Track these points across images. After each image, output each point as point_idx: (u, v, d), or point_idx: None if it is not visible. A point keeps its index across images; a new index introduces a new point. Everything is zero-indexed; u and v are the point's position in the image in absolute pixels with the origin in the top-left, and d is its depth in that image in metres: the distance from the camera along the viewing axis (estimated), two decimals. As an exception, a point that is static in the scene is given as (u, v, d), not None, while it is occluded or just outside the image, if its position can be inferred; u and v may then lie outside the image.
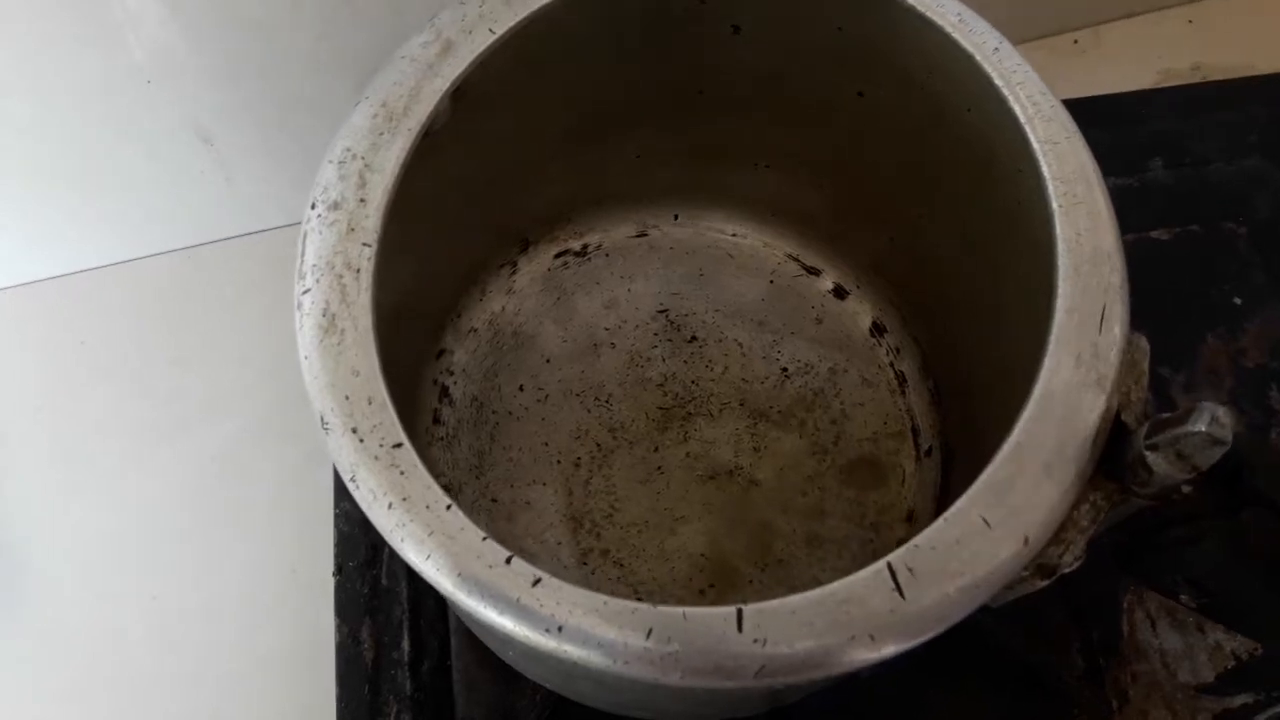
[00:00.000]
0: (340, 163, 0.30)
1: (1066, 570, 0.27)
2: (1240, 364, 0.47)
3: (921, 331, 0.45)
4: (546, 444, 0.44)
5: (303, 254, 0.29)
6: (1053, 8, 0.61)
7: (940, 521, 0.26)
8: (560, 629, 0.25)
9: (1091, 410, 0.27)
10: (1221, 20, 0.62)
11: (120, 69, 0.46)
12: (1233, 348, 0.47)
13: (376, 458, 0.26)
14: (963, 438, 0.42)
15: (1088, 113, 0.52)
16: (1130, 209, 0.50)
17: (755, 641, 0.25)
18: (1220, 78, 0.59)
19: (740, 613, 0.25)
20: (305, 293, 0.29)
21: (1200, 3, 0.63)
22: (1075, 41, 0.63)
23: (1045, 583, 0.28)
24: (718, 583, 0.41)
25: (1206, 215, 0.51)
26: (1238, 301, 0.49)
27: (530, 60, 0.34)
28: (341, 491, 0.45)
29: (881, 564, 0.26)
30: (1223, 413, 0.25)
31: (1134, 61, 0.61)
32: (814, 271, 0.47)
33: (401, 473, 0.26)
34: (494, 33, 0.31)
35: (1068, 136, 0.31)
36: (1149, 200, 0.51)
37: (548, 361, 0.45)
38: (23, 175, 0.50)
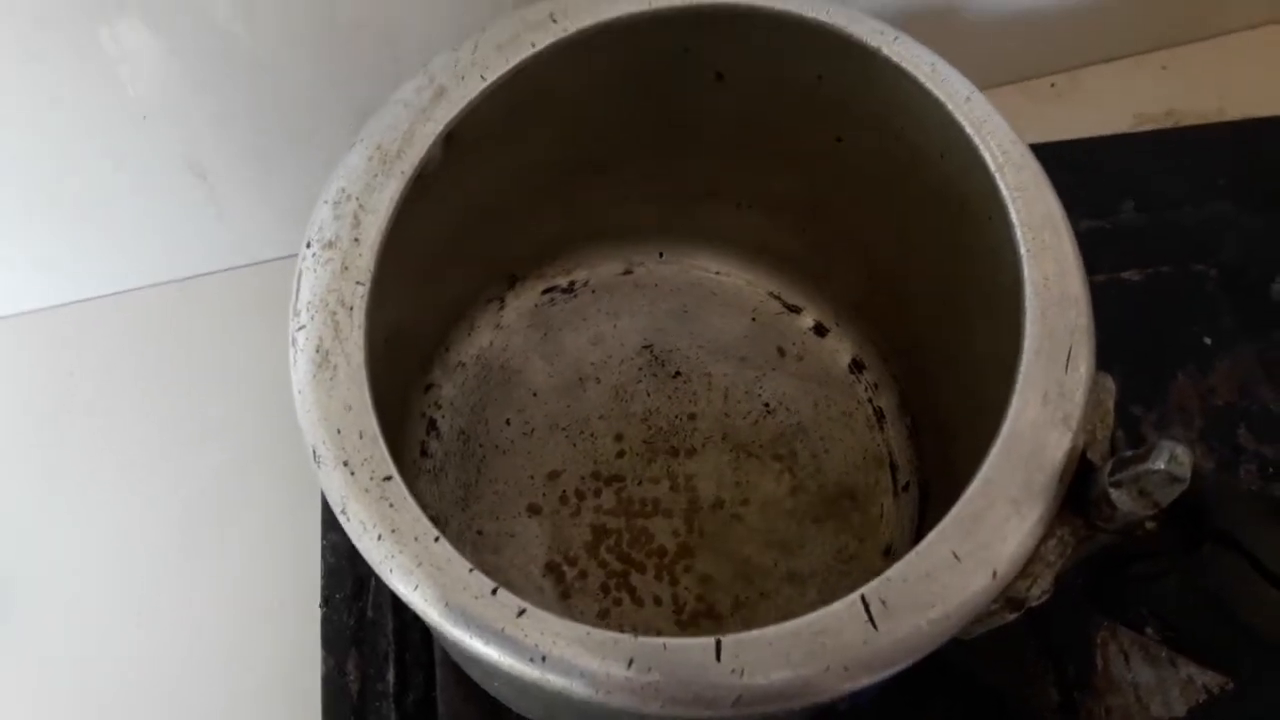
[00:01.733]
0: (335, 203, 0.31)
1: (1034, 604, 0.28)
2: (1210, 402, 0.48)
3: (899, 369, 0.46)
4: (532, 477, 0.44)
5: (298, 291, 0.30)
6: (1031, 52, 0.62)
7: (911, 555, 0.27)
8: (544, 659, 0.25)
9: (1057, 448, 0.28)
10: (1195, 67, 0.64)
11: (115, 103, 0.46)
12: (1203, 386, 0.48)
13: (367, 490, 0.27)
14: (939, 473, 0.43)
15: (1062, 156, 0.54)
16: (1102, 250, 0.52)
17: (733, 672, 0.26)
18: (1193, 122, 0.61)
19: (719, 643, 0.26)
20: (300, 329, 0.29)
21: (1174, 49, 0.65)
22: (1052, 85, 0.64)
23: (1014, 615, 0.28)
24: (699, 617, 0.42)
25: (1177, 257, 0.52)
26: (1207, 341, 0.50)
27: (520, 105, 0.35)
28: (329, 524, 0.46)
29: (855, 596, 0.27)
30: (1181, 451, 0.26)
31: (1109, 105, 0.63)
32: (795, 309, 0.48)
33: (391, 505, 0.27)
34: (485, 79, 0.33)
35: (1036, 184, 0.32)
36: (1121, 242, 0.52)
37: (534, 396, 0.46)
38: (14, 206, 0.50)
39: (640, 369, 0.47)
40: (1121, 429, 0.47)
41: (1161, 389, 0.48)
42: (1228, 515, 0.28)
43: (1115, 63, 0.64)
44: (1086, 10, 0.60)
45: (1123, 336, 0.48)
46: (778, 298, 0.49)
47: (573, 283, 0.49)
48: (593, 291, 0.49)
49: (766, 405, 0.46)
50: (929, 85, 0.34)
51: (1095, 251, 0.50)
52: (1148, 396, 0.48)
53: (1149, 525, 0.28)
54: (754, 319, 0.48)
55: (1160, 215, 0.54)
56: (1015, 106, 0.63)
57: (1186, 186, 0.55)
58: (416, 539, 0.26)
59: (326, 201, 0.31)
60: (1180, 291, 0.51)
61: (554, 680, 0.26)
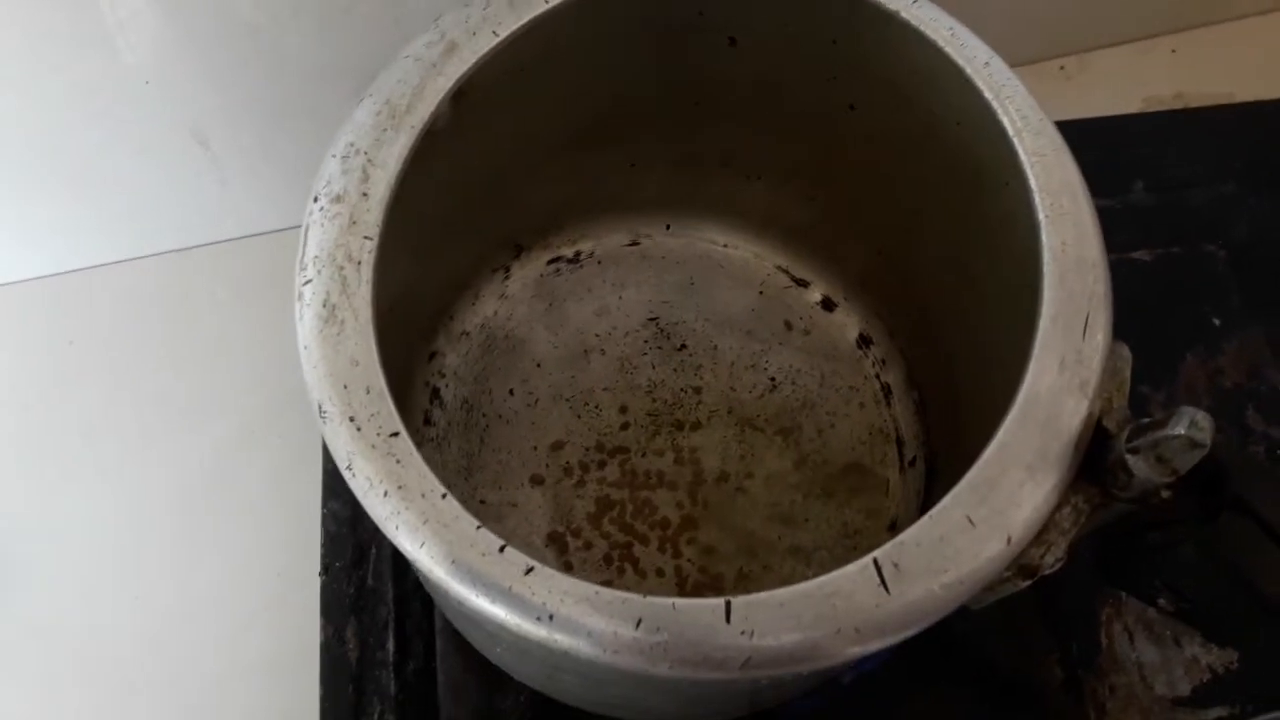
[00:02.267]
0: (344, 157, 0.30)
1: (1048, 571, 0.28)
2: (1218, 383, 0.48)
3: (907, 344, 0.46)
4: (535, 448, 0.44)
5: (304, 245, 0.30)
6: (1040, 34, 0.62)
7: (925, 519, 0.27)
8: (551, 617, 0.25)
9: (1074, 414, 0.28)
10: (1204, 50, 0.64)
11: (116, 70, 0.46)
12: (1211, 367, 0.48)
13: (374, 446, 0.27)
14: (946, 448, 0.43)
15: (1072, 135, 0.53)
16: (1113, 230, 0.51)
17: (743, 633, 0.25)
18: (1201, 105, 0.61)
19: (729, 604, 0.25)
20: (306, 283, 0.29)
21: (1184, 33, 0.64)
22: (1062, 68, 0.64)
23: (1026, 583, 0.28)
24: (703, 589, 0.42)
25: (1186, 237, 0.52)
26: (1216, 322, 0.50)
27: (531, 64, 0.34)
28: (330, 491, 0.45)
29: (867, 560, 0.26)
30: (1201, 417, 0.25)
31: (1119, 88, 0.62)
32: (803, 283, 0.48)
33: (398, 461, 0.27)
34: (497, 35, 0.32)
35: (1055, 150, 0.32)
36: (1131, 222, 0.52)
37: (538, 366, 0.46)
38: (14, 173, 0.50)
39: (646, 341, 0.47)
40: (1131, 408, 0.47)
41: (1170, 369, 0.48)
42: (1245, 484, 0.27)
43: (1124, 46, 0.64)
44: (1096, -7, 0.60)
45: (1132, 316, 0.48)
46: (785, 271, 0.48)
47: (579, 253, 0.48)
48: (598, 262, 0.48)
49: (772, 379, 0.46)
50: (948, 50, 0.33)
51: (1106, 231, 0.50)
52: (1156, 376, 0.48)
53: (1165, 494, 0.28)
54: (761, 292, 0.48)
55: (1170, 195, 0.53)
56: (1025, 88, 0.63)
57: (1197, 167, 0.55)
58: (423, 495, 0.26)
59: (335, 155, 0.31)
60: (1190, 272, 0.51)
61: (561, 640, 0.25)
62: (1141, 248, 0.52)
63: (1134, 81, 0.63)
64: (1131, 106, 0.62)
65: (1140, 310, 0.49)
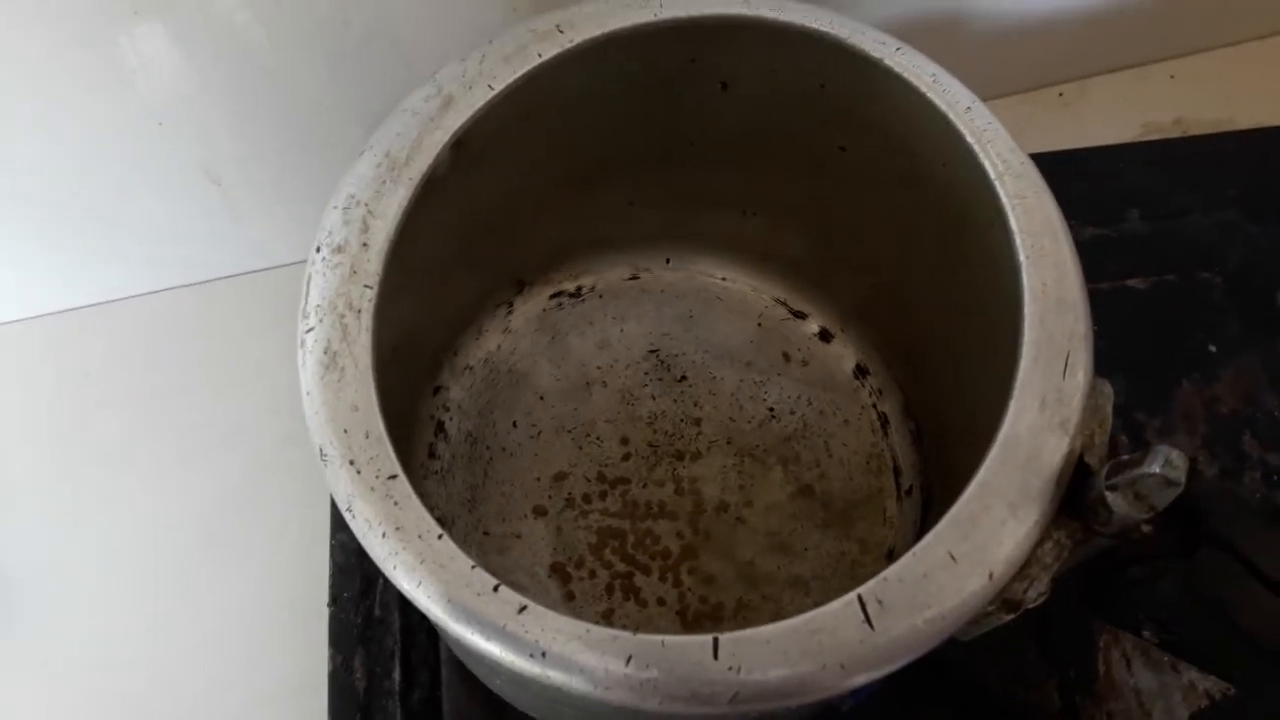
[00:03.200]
0: (345, 208, 0.32)
1: (1031, 605, 0.29)
2: (1215, 410, 0.48)
3: (903, 375, 0.46)
4: (538, 479, 0.45)
5: (307, 294, 0.31)
6: (1038, 62, 0.63)
7: (908, 556, 0.27)
8: (544, 654, 0.26)
9: (1055, 452, 0.29)
10: (1203, 76, 0.64)
11: (132, 110, 0.47)
12: (1207, 394, 0.49)
13: (372, 488, 0.28)
14: (942, 479, 0.43)
15: (1069, 164, 0.55)
16: (1108, 258, 0.52)
17: (730, 669, 0.26)
18: (1201, 131, 0.61)
19: (716, 641, 0.26)
20: (309, 331, 0.30)
21: (1183, 59, 0.65)
22: (1060, 94, 0.65)
23: (1010, 617, 0.29)
24: (703, 618, 0.42)
25: (1183, 265, 0.52)
26: (1212, 349, 0.50)
27: (527, 114, 0.35)
28: (338, 523, 0.46)
29: (852, 596, 0.27)
30: (1176, 455, 0.26)
31: (1118, 115, 0.63)
32: (800, 315, 0.49)
33: (395, 503, 0.28)
34: (493, 89, 0.33)
35: (1036, 192, 0.32)
36: (1126, 250, 0.53)
37: (541, 399, 0.47)
38: (33, 210, 0.51)
39: (646, 373, 0.48)
40: (1126, 435, 0.48)
41: (1166, 396, 0.49)
42: (1224, 520, 0.28)
43: (1123, 72, 0.65)
44: (1094, 20, 0.60)
45: (1128, 344, 0.49)
46: (783, 303, 0.49)
47: (580, 288, 0.49)
48: (600, 297, 0.49)
49: (771, 410, 0.47)
50: (930, 95, 0.34)
51: (1101, 259, 0.52)
52: (1152, 404, 0.48)
53: (1145, 529, 0.29)
54: (759, 324, 0.49)
55: (1166, 223, 0.54)
56: (1023, 115, 0.64)
57: (1193, 195, 0.55)
58: (420, 536, 0.27)
59: (336, 207, 0.32)
60: (1186, 299, 0.52)
61: (554, 676, 0.26)
62: (1137, 275, 0.52)
63: (1133, 107, 0.63)
64: (1130, 132, 0.62)
65: (1136, 338, 0.50)
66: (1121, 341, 0.47)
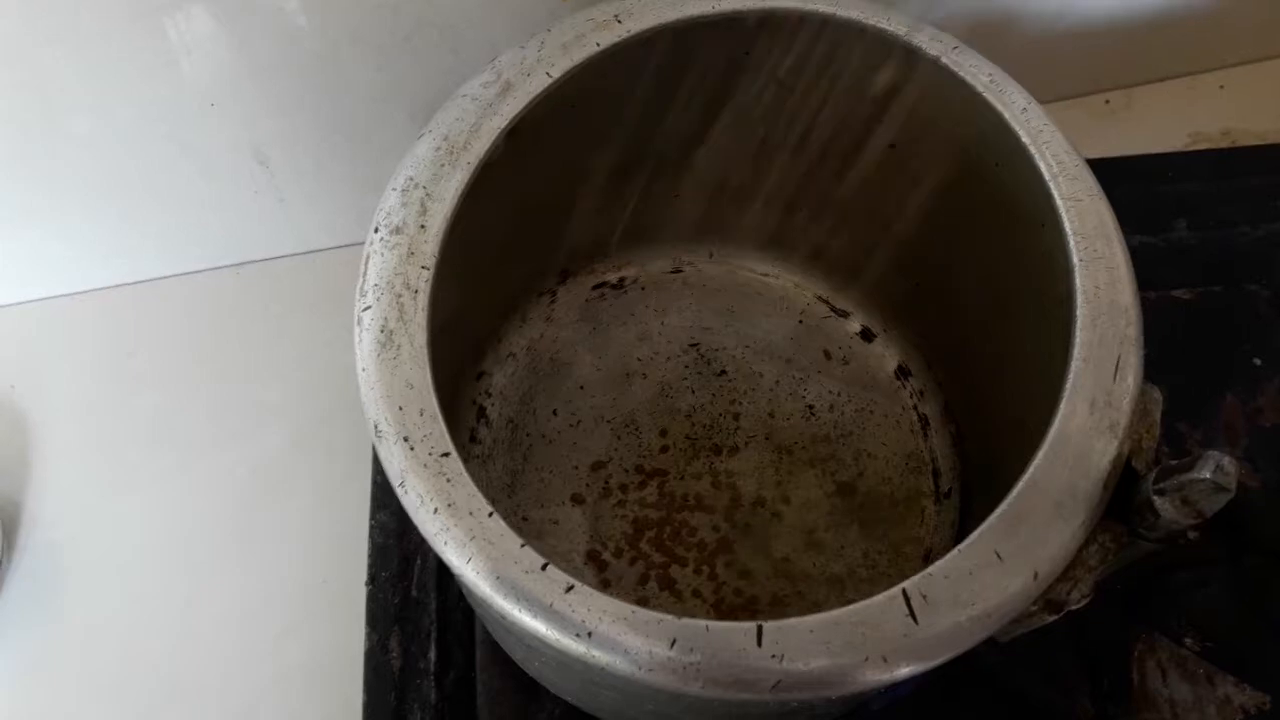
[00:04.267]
0: (403, 190, 0.32)
1: (1074, 607, 0.29)
2: (1257, 423, 0.48)
3: (945, 376, 0.46)
4: (576, 467, 0.45)
5: (365, 273, 0.31)
6: (1087, 69, 0.62)
7: (955, 552, 0.27)
8: (590, 634, 0.26)
9: (1103, 455, 0.29)
10: (1253, 87, 0.63)
11: (184, 91, 0.48)
12: (1250, 407, 0.48)
13: (425, 465, 0.28)
14: (981, 481, 0.43)
15: (1116, 172, 0.54)
16: (1154, 268, 0.52)
17: (774, 657, 0.26)
18: (1249, 143, 0.61)
19: (760, 629, 0.26)
20: (366, 309, 0.30)
21: (1232, 69, 0.64)
22: (1107, 102, 0.64)
23: (1053, 618, 0.29)
24: (737, 611, 0.42)
25: (1229, 277, 0.52)
26: (1258, 362, 0.50)
27: (582, 103, 0.36)
28: (378, 503, 0.47)
29: (897, 590, 0.27)
30: (1227, 461, 0.26)
31: (1165, 124, 0.62)
32: (842, 314, 0.49)
33: (448, 480, 0.28)
34: (550, 76, 0.33)
35: (1090, 195, 0.32)
36: (1173, 260, 0.52)
37: (581, 388, 0.47)
38: (84, 187, 0.52)
39: (686, 366, 0.48)
40: (1168, 445, 0.47)
41: (1210, 407, 0.48)
42: (1272, 529, 0.28)
43: (1172, 81, 0.64)
44: (1143, 28, 0.60)
45: (1173, 354, 0.49)
46: (825, 301, 0.49)
47: (623, 279, 0.50)
48: (642, 289, 0.50)
49: (810, 407, 0.47)
50: (987, 95, 0.34)
51: (1147, 268, 0.50)
52: (1195, 414, 0.48)
53: (1192, 535, 0.29)
54: (801, 321, 0.49)
55: (1214, 234, 0.54)
56: (1070, 122, 0.62)
57: (1242, 207, 0.55)
58: (471, 513, 0.27)
59: (395, 189, 0.32)
60: (1232, 311, 0.51)
61: (598, 656, 0.26)
62: (1183, 286, 0.52)
63: (1181, 117, 0.63)
64: (1178, 142, 0.62)
65: (1181, 348, 0.50)
66: (1166, 352, 0.46)
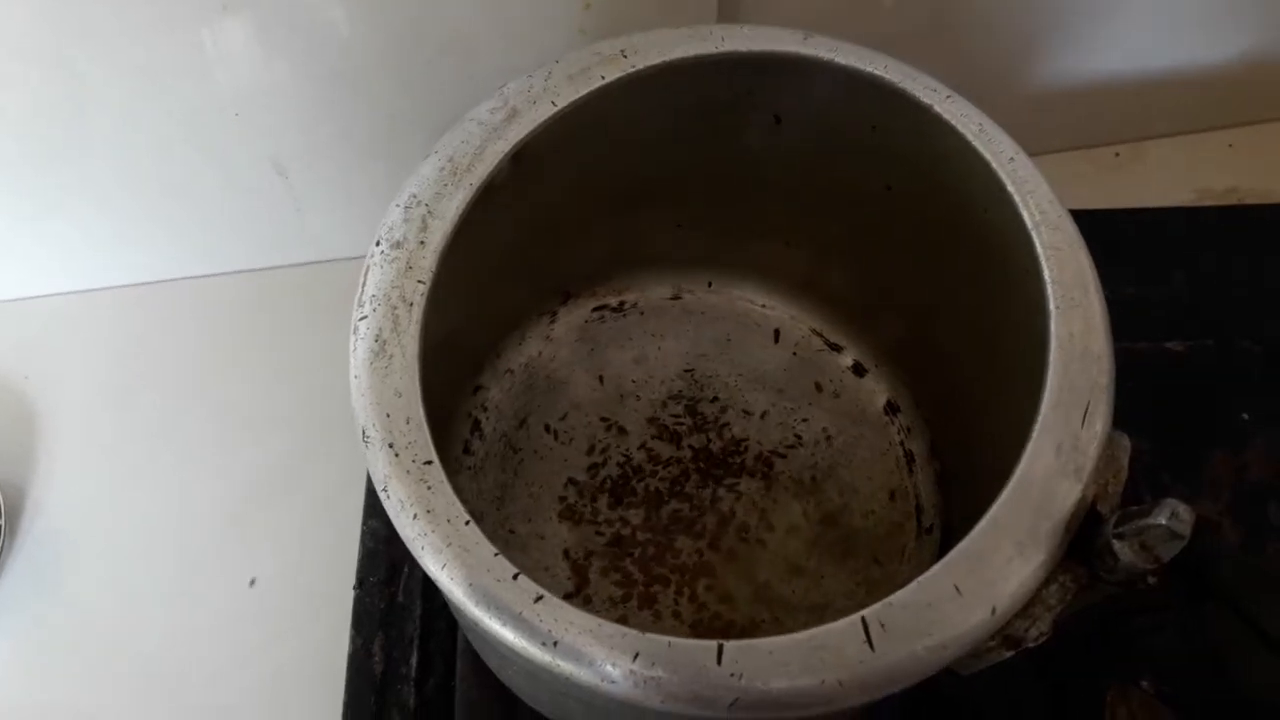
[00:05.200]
0: (406, 207, 0.33)
1: (1031, 644, 0.29)
2: (1243, 478, 0.48)
3: (932, 414, 0.47)
4: (565, 484, 0.46)
5: (364, 285, 0.32)
6: (1097, 120, 0.63)
7: (914, 584, 0.28)
8: (555, 644, 0.27)
9: (1066, 497, 0.29)
10: (1261, 146, 0.64)
11: (211, 100, 0.49)
12: (1236, 462, 0.49)
13: (408, 471, 0.29)
14: (963, 519, 0.44)
15: (1117, 221, 0.55)
16: (1148, 319, 0.53)
17: (732, 675, 0.27)
18: (1255, 201, 0.61)
19: (721, 647, 0.27)
20: (362, 319, 0.32)
21: (1241, 128, 0.65)
22: (1117, 154, 0.65)
23: (1010, 654, 0.29)
24: (715, 635, 0.43)
25: (1223, 331, 0.53)
26: (1245, 418, 0.50)
27: (586, 132, 0.37)
28: (370, 509, 0.48)
29: (856, 617, 0.28)
30: (1183, 509, 0.27)
31: (1172, 178, 0.63)
32: (836, 348, 0.50)
33: (429, 488, 0.29)
34: (555, 105, 0.35)
35: (1070, 244, 0.33)
36: (1167, 312, 0.53)
37: (576, 407, 0.48)
38: (107, 186, 0.54)
39: (680, 391, 0.49)
40: (1150, 495, 0.47)
41: (1195, 460, 0.49)
42: (1230, 577, 0.28)
43: (1181, 137, 0.65)
44: (1154, 84, 0.61)
45: (1161, 405, 0.49)
46: (820, 335, 0.50)
47: (623, 303, 0.51)
48: (641, 313, 0.51)
49: (799, 437, 0.48)
50: (976, 144, 0.35)
51: (1141, 319, 0.52)
52: (1179, 466, 0.48)
53: (1152, 580, 0.29)
54: (795, 353, 0.50)
55: (1209, 289, 0.54)
56: (1078, 172, 0.64)
57: (1239, 263, 0.55)
58: (449, 521, 0.28)
59: (398, 205, 0.33)
60: (1223, 366, 0.52)
61: (562, 666, 0.27)
62: (1176, 338, 0.52)
63: (1188, 172, 0.63)
64: (1183, 197, 0.62)
65: (1170, 400, 0.50)
66: (1155, 402, 0.47)
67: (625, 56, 0.36)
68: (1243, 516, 0.47)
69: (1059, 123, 0.63)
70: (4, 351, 0.58)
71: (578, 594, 0.44)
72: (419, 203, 0.33)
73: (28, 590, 0.50)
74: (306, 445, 0.54)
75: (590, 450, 0.47)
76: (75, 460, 0.54)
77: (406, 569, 0.46)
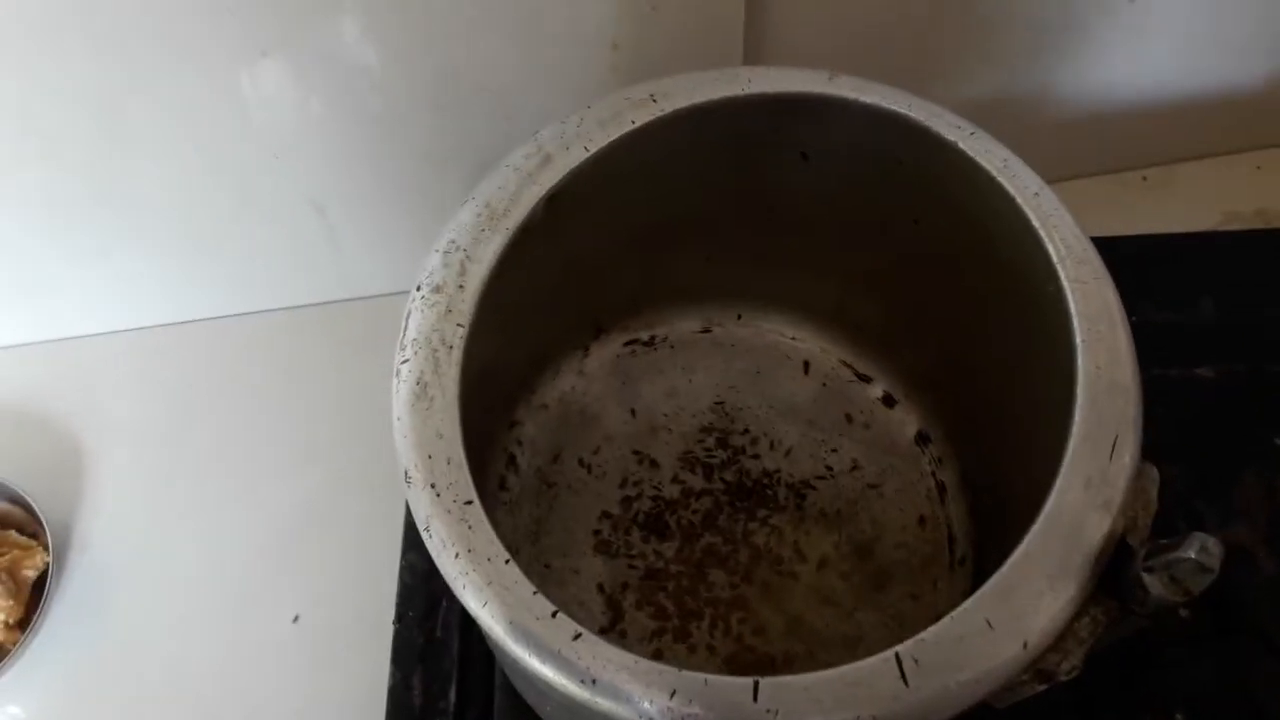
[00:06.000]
0: (445, 252, 0.34)
1: (1064, 678, 0.29)
2: (1276, 503, 0.48)
3: (963, 445, 0.47)
4: (600, 518, 0.47)
5: (405, 329, 0.33)
6: (1125, 144, 0.64)
7: (947, 619, 0.29)
8: (594, 681, 0.28)
9: (1096, 530, 0.30)
10: (1289, 169, 0.64)
11: (250, 141, 0.51)
12: (1268, 486, 0.48)
13: (449, 511, 0.30)
14: (994, 550, 0.44)
15: (1146, 248, 0.55)
16: (1177, 345, 0.53)
17: (769, 711, 0.27)
18: (1282, 224, 0.61)
19: (757, 684, 0.28)
20: (404, 362, 0.33)
21: (1269, 150, 0.65)
22: (1145, 178, 0.65)
23: (1043, 687, 0.30)
24: (749, 668, 0.43)
25: (1253, 357, 0.52)
26: (1278, 442, 0.50)
27: (618, 174, 0.38)
28: (409, 544, 0.49)
29: (890, 653, 0.28)
30: (1212, 542, 0.27)
31: (1200, 201, 0.63)
32: (865, 379, 0.50)
33: (470, 527, 0.30)
34: (588, 150, 0.36)
35: (1096, 278, 0.34)
36: (1197, 338, 0.53)
37: (609, 440, 0.49)
38: (151, 229, 0.55)
39: (710, 424, 0.49)
40: (1184, 523, 0.48)
41: (1227, 487, 0.49)
42: (1260, 608, 0.29)
43: (1209, 160, 0.65)
44: (1182, 108, 0.61)
45: (1192, 432, 0.49)
46: (849, 366, 0.51)
47: (654, 337, 0.51)
48: (672, 347, 0.51)
49: (830, 469, 0.48)
50: (1000, 179, 0.36)
51: (1170, 346, 0.52)
52: (1212, 493, 0.48)
53: (1183, 613, 0.29)
54: (825, 385, 0.50)
55: (1239, 314, 0.54)
56: (1106, 196, 0.64)
57: (1269, 287, 0.55)
58: (489, 560, 0.29)
59: (438, 250, 0.35)
60: (1254, 391, 0.52)
61: (601, 703, 0.28)
62: (1205, 364, 0.52)
63: (1216, 195, 0.64)
64: (1211, 220, 0.63)
65: (1201, 426, 0.50)
66: (1186, 429, 0.47)
67: (655, 100, 0.37)
68: (1277, 544, 0.47)
69: (1087, 148, 0.63)
70: (49, 389, 0.59)
71: (613, 628, 0.44)
72: (457, 248, 0.34)
73: (75, 624, 0.52)
74: (347, 478, 0.55)
75: (623, 483, 0.48)
76: (121, 496, 0.56)
77: (445, 603, 0.47)
